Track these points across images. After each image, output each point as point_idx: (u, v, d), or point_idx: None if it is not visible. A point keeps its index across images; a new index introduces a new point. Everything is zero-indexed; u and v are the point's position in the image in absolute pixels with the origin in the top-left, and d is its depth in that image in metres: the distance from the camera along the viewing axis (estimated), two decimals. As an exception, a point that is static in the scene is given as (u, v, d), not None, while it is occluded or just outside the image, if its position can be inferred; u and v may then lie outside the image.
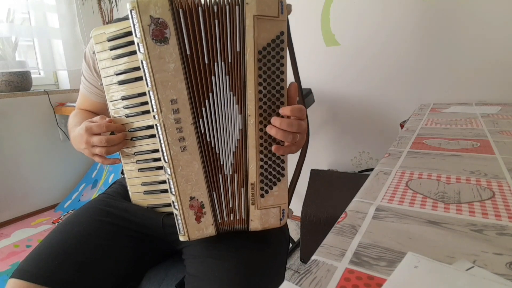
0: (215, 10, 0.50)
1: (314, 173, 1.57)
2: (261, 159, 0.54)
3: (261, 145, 0.54)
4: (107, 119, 0.60)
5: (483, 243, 0.33)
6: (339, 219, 0.40)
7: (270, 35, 0.51)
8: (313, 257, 0.32)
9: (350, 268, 0.30)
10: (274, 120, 0.52)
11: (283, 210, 0.57)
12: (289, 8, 0.52)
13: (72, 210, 2.07)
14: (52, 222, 1.97)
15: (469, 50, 1.33)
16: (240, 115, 0.53)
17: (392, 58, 1.49)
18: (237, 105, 0.52)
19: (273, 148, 0.53)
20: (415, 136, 0.81)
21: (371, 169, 1.65)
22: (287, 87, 0.53)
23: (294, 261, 1.50)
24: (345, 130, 1.70)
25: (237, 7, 0.49)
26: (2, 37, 1.80)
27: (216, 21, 0.50)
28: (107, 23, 2.05)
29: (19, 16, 1.91)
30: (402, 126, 1.22)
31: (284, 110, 0.52)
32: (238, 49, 0.51)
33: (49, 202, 2.16)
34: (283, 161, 0.56)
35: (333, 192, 1.40)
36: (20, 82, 1.89)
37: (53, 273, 0.54)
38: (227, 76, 0.52)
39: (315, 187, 1.47)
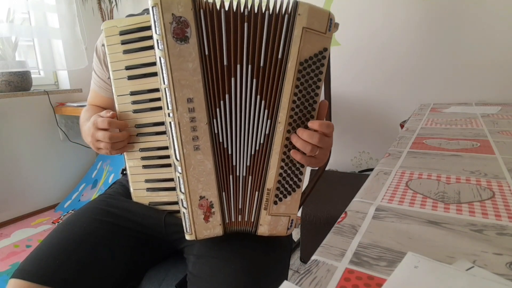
0: (246, 14, 0.49)
1: (315, 173, 1.57)
2: (282, 167, 0.54)
3: (284, 153, 0.54)
4: (111, 113, 0.60)
5: (483, 243, 0.33)
6: (339, 219, 0.40)
7: (314, 49, 0.51)
8: (313, 257, 0.32)
9: (350, 268, 0.30)
10: (300, 131, 0.52)
11: (292, 220, 0.57)
12: (336, 27, 0.52)
13: (72, 210, 2.07)
14: (52, 222, 1.97)
15: (469, 50, 1.33)
16: (269, 121, 0.53)
17: (392, 58, 1.49)
18: (266, 110, 0.52)
19: (292, 152, 0.53)
20: (415, 136, 0.81)
21: (371, 169, 1.65)
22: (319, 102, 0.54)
23: (294, 261, 1.50)
24: (345, 130, 1.70)
25: (286, 15, 0.50)
26: (2, 37, 1.80)
27: (246, 24, 0.50)
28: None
29: (19, 16, 1.90)
30: (402, 126, 1.22)
31: (313, 124, 0.52)
32: (279, 56, 0.51)
33: (49, 202, 2.16)
34: (301, 173, 0.56)
35: (333, 192, 1.40)
36: (20, 82, 1.89)
37: (54, 273, 0.54)
38: (254, 80, 0.52)
39: (315, 187, 1.47)
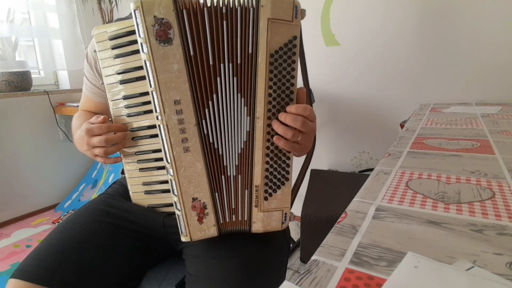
0: (224, 11, 0.49)
1: (314, 173, 1.57)
2: (267, 162, 0.54)
3: (268, 148, 0.54)
4: (102, 117, 0.60)
5: (483, 243, 0.33)
6: (339, 219, 0.40)
7: (283, 39, 0.51)
8: (313, 257, 0.32)
9: (350, 268, 0.30)
10: (283, 115, 0.52)
11: (286, 213, 0.57)
12: (303, 13, 0.52)
13: (72, 210, 2.07)
14: (52, 222, 1.97)
15: (469, 50, 1.33)
16: (248, 117, 0.53)
17: (392, 58, 1.49)
18: (245, 107, 0.52)
19: (275, 138, 0.53)
20: (415, 136, 0.81)
21: (371, 169, 1.65)
22: (296, 91, 0.53)
23: (294, 261, 1.50)
24: (345, 130, 1.70)
25: (251, 9, 0.49)
26: (2, 37, 1.80)
27: (224, 22, 0.50)
28: (107, 23, 2.05)
29: (19, 16, 1.90)
30: (402, 126, 1.22)
31: (290, 108, 0.52)
32: (250, 51, 0.51)
33: (49, 202, 2.16)
34: (288, 165, 0.55)
35: (333, 192, 1.40)
36: (20, 82, 1.89)
37: (54, 273, 0.54)
38: (235, 78, 0.52)
39: (315, 187, 1.47)
